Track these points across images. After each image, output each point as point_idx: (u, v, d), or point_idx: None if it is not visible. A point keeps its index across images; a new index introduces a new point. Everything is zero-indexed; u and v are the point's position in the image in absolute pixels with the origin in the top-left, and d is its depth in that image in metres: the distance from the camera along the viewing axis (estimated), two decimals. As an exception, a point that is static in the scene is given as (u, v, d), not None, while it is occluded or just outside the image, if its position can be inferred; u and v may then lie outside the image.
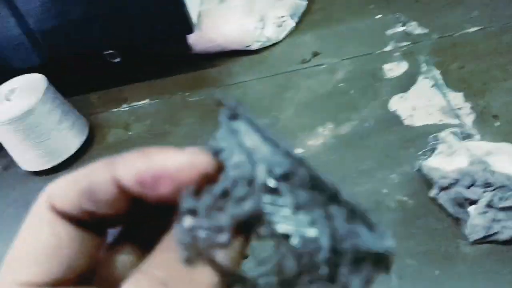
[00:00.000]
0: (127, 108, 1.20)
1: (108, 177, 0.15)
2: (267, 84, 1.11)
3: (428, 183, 0.79)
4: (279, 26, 1.20)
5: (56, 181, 0.16)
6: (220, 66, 1.21)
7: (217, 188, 0.14)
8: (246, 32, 1.17)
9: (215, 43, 1.19)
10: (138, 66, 1.27)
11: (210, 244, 0.14)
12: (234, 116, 0.15)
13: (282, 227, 0.14)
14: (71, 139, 1.07)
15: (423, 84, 0.97)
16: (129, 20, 1.07)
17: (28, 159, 1.06)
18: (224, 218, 0.14)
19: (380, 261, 0.14)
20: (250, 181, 0.14)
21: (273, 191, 0.14)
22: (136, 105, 1.20)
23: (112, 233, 0.17)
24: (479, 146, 0.80)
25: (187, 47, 1.20)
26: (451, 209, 0.75)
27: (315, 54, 1.15)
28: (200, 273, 0.14)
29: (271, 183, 0.14)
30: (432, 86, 0.96)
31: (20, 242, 0.15)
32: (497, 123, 0.85)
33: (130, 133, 1.13)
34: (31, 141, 1.02)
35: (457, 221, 0.74)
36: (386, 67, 1.04)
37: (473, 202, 0.74)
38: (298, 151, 0.92)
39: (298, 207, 0.14)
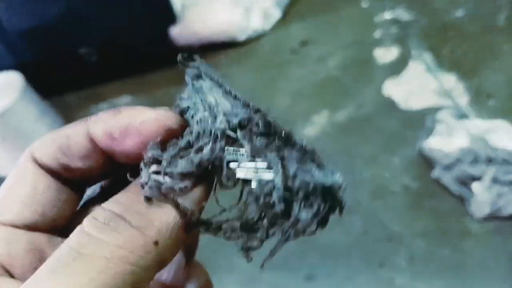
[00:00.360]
0: (106, 106, 1.14)
1: (82, 132, 0.16)
2: (258, 75, 1.09)
3: (430, 164, 0.79)
4: (265, 16, 1.18)
5: (42, 137, 0.17)
6: (206, 59, 1.16)
7: (181, 141, 0.15)
8: (232, 24, 1.14)
9: (200, 35, 1.15)
10: (118, 63, 1.21)
11: (172, 189, 0.15)
12: (198, 76, 0.17)
13: (241, 173, 0.15)
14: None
15: (415, 68, 0.98)
16: (109, 12, 1.02)
17: (4, 163, 0.98)
18: (186, 164, 0.15)
19: (331, 196, 0.15)
20: (212, 133, 0.15)
21: (232, 140, 0.15)
22: (117, 102, 1.14)
23: (90, 193, 0.18)
24: (476, 125, 0.81)
25: (170, 40, 1.16)
26: (455, 188, 0.75)
27: (304, 44, 1.13)
28: (159, 210, 0.15)
29: (230, 132, 0.15)
30: (424, 69, 0.97)
31: (2, 188, 0.17)
32: (491, 102, 0.86)
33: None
34: (7, 144, 0.95)
35: (462, 200, 0.74)
36: (377, 53, 1.04)
37: (476, 179, 0.74)
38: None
39: (254, 153, 0.15)
